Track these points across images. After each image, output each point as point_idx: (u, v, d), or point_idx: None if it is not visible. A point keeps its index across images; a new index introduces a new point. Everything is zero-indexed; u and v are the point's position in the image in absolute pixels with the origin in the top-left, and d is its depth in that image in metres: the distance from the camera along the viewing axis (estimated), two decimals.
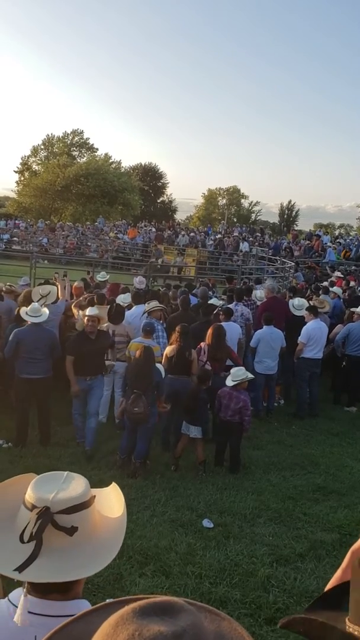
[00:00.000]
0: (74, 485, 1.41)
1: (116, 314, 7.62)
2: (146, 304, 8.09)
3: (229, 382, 6.63)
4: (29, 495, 1.38)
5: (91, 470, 6.08)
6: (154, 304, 7.97)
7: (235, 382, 6.58)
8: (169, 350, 7.02)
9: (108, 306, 7.94)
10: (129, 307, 8.66)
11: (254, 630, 3.85)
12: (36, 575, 1.30)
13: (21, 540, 1.33)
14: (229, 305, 9.11)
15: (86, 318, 6.75)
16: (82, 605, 1.36)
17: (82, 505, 1.37)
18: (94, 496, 1.45)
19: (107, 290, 10.47)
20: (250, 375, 6.84)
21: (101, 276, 12.12)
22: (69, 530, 1.34)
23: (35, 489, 1.38)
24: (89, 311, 6.82)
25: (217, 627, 0.84)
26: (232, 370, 6.77)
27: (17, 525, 1.38)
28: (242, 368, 6.88)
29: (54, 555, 1.33)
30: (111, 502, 1.55)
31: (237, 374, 6.67)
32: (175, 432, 6.83)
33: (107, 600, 0.88)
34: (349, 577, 1.59)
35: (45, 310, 6.93)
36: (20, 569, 1.30)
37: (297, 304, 9.31)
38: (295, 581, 4.44)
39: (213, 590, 4.25)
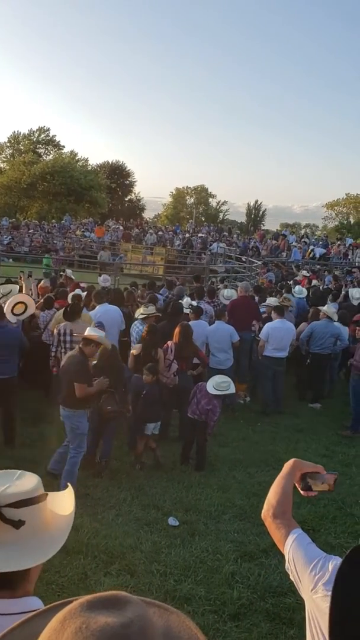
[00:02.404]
0: (25, 482, 1.44)
1: (72, 312, 7.46)
2: (142, 307, 8.02)
3: (211, 389, 6.48)
4: None
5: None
6: (151, 308, 7.85)
7: (217, 394, 6.49)
8: (135, 349, 7.01)
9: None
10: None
11: (217, 627, 3.88)
12: None
13: None
14: (193, 303, 9.20)
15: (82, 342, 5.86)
16: (31, 602, 1.36)
17: (30, 501, 1.40)
18: (46, 494, 1.47)
19: (70, 288, 10.38)
20: (233, 390, 6.72)
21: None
22: (15, 523, 1.36)
23: None
24: (87, 332, 5.91)
25: (165, 621, 0.85)
26: (217, 379, 6.63)
27: None
28: (227, 379, 6.69)
29: None
30: (65, 502, 1.57)
31: (220, 385, 6.51)
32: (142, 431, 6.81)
33: (54, 603, 0.89)
34: (287, 484, 1.79)
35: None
36: None
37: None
38: (259, 577, 4.49)
39: (178, 588, 4.27)
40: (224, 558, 4.73)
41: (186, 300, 9.53)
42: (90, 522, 5.12)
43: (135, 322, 7.89)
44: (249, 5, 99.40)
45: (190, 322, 8.07)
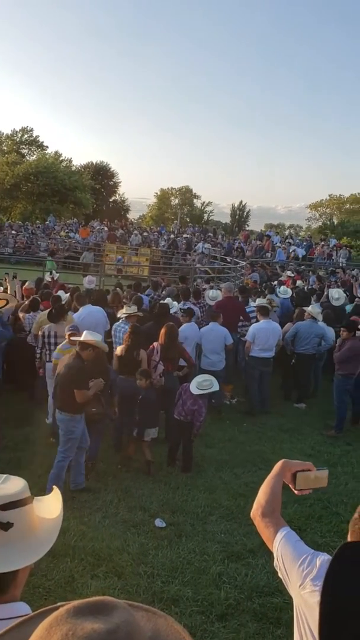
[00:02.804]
0: (11, 485, 1.44)
1: (57, 313, 7.44)
2: (125, 307, 8.01)
3: (194, 389, 6.50)
4: None
5: (45, 474, 5.98)
6: (134, 308, 7.86)
7: (201, 393, 6.51)
8: (118, 350, 7.00)
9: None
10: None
11: (205, 627, 3.88)
12: None
13: None
14: (175, 303, 9.23)
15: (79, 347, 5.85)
16: (18, 608, 1.35)
17: (17, 503, 1.41)
18: (32, 497, 1.48)
19: (54, 290, 10.34)
20: (216, 387, 6.75)
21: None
22: (4, 525, 1.37)
23: None
24: (84, 336, 5.86)
25: (153, 625, 0.85)
26: (199, 379, 6.67)
27: None
28: (209, 378, 6.75)
29: None
30: (51, 506, 1.57)
31: (203, 384, 6.55)
32: (127, 433, 6.80)
33: (42, 609, 0.88)
34: (277, 484, 1.82)
35: None
36: None
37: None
38: (247, 577, 4.51)
39: (165, 589, 4.27)
40: (211, 559, 4.74)
41: (175, 304, 9.53)
42: (77, 524, 5.10)
43: (119, 322, 7.86)
44: (231, 3, 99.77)
45: (183, 325, 8.11)
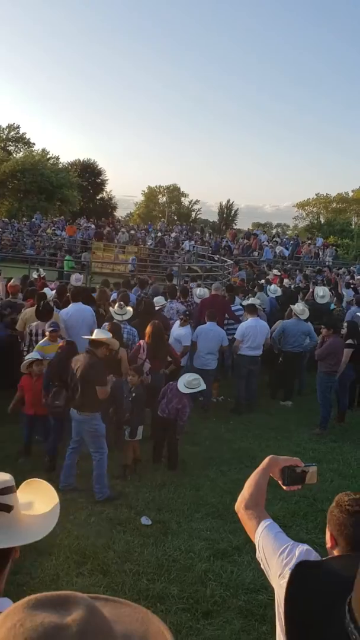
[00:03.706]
0: (1, 474, 1.53)
1: (44, 311, 7.40)
2: (117, 307, 7.93)
3: (182, 387, 6.52)
4: None
5: (32, 471, 5.94)
6: (125, 309, 7.80)
7: (189, 392, 6.53)
8: None
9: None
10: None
11: (191, 625, 3.88)
12: None
13: None
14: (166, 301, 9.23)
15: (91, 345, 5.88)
16: (2, 602, 1.34)
17: (11, 489, 1.50)
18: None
19: (37, 286, 10.27)
20: (203, 386, 6.79)
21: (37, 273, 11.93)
22: (7, 507, 1.46)
23: None
24: (96, 335, 5.93)
25: (139, 624, 0.83)
26: (187, 377, 6.67)
27: None
28: (197, 376, 6.76)
29: None
30: (43, 494, 1.66)
31: (191, 383, 6.57)
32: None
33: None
34: (262, 479, 1.85)
35: None
36: None
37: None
38: (232, 574, 4.52)
39: (151, 587, 4.26)
40: (197, 556, 4.74)
41: (166, 302, 9.48)
42: (62, 522, 5.06)
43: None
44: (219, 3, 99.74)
45: (180, 328, 8.19)
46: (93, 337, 5.88)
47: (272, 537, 1.78)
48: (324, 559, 1.59)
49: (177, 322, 8.64)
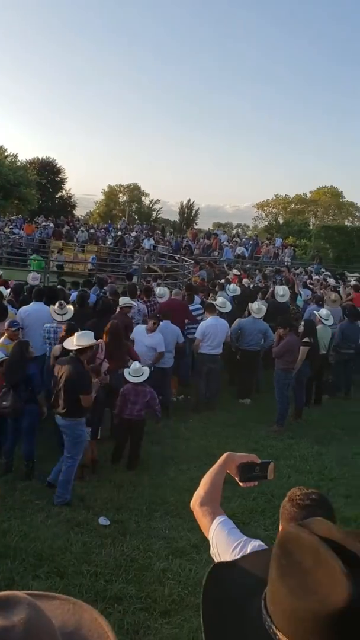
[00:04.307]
0: None
1: (1, 312, 7.30)
2: (58, 306, 7.81)
3: (131, 378, 6.65)
4: None
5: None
6: (68, 314, 7.69)
7: (138, 379, 6.67)
8: (55, 349, 6.88)
9: None
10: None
11: (148, 624, 3.87)
12: None
13: None
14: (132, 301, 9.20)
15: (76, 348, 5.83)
16: None
17: None
18: None
19: None
20: (147, 376, 6.88)
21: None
22: None
23: None
24: (78, 340, 5.84)
25: (77, 619, 0.84)
26: (133, 366, 6.83)
27: None
28: (142, 366, 6.94)
29: None
30: None
31: (138, 370, 6.75)
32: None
33: None
34: (218, 476, 1.85)
35: None
36: None
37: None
38: (191, 572, 4.53)
39: (108, 588, 4.23)
40: (155, 555, 4.74)
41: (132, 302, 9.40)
42: (19, 525, 4.99)
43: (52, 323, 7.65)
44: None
45: (151, 334, 8.20)
46: (76, 344, 5.79)
47: (226, 534, 1.78)
48: (239, 557, 1.58)
49: (142, 325, 8.60)
